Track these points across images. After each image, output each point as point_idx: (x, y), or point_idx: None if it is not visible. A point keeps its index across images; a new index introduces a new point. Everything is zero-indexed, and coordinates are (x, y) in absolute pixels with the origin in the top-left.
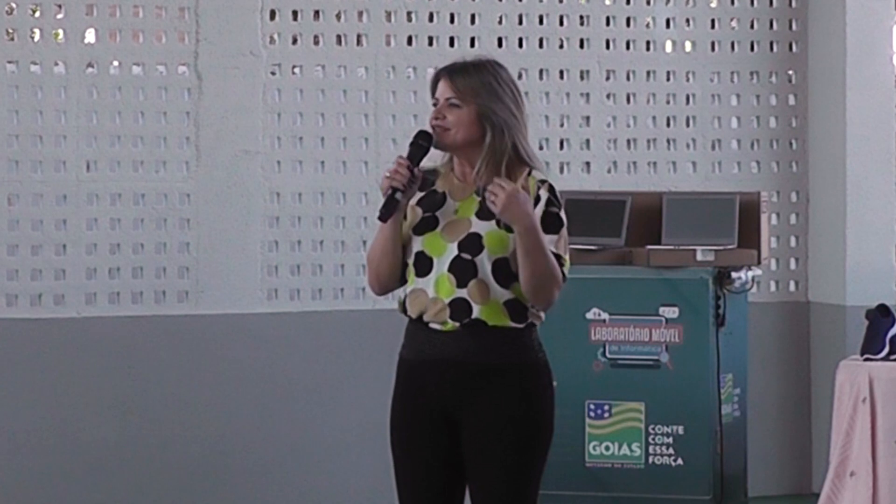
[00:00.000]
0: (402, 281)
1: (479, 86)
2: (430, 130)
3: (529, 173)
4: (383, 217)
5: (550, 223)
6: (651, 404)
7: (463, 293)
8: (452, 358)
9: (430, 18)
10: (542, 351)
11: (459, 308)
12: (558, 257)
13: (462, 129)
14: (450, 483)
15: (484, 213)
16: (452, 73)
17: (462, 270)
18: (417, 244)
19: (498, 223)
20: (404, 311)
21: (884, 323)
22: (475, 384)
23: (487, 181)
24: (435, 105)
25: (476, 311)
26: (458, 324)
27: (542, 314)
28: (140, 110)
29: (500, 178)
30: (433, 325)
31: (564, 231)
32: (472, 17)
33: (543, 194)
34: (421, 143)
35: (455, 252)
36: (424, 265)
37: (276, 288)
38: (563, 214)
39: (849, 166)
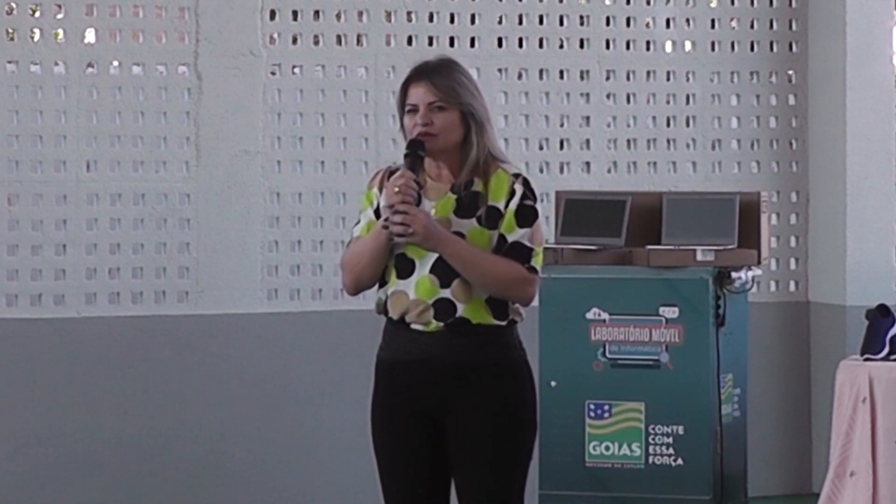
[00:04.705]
0: (380, 282)
1: (457, 85)
2: (417, 139)
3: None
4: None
5: (525, 216)
6: (651, 404)
7: (447, 293)
8: (436, 358)
9: (430, 18)
10: (523, 349)
11: (444, 308)
12: (530, 251)
13: (451, 131)
14: (435, 482)
15: (462, 211)
16: (429, 75)
17: (444, 271)
18: (399, 246)
19: (479, 220)
20: (384, 312)
21: (884, 323)
22: (459, 383)
23: (467, 179)
24: (410, 111)
25: (461, 310)
26: (441, 324)
27: (523, 311)
28: (140, 110)
29: (405, 202)
30: (415, 326)
31: (539, 223)
32: (472, 17)
33: (518, 188)
34: (420, 154)
35: (437, 253)
36: (406, 267)
37: (276, 288)
38: (538, 207)
39: (849, 166)
